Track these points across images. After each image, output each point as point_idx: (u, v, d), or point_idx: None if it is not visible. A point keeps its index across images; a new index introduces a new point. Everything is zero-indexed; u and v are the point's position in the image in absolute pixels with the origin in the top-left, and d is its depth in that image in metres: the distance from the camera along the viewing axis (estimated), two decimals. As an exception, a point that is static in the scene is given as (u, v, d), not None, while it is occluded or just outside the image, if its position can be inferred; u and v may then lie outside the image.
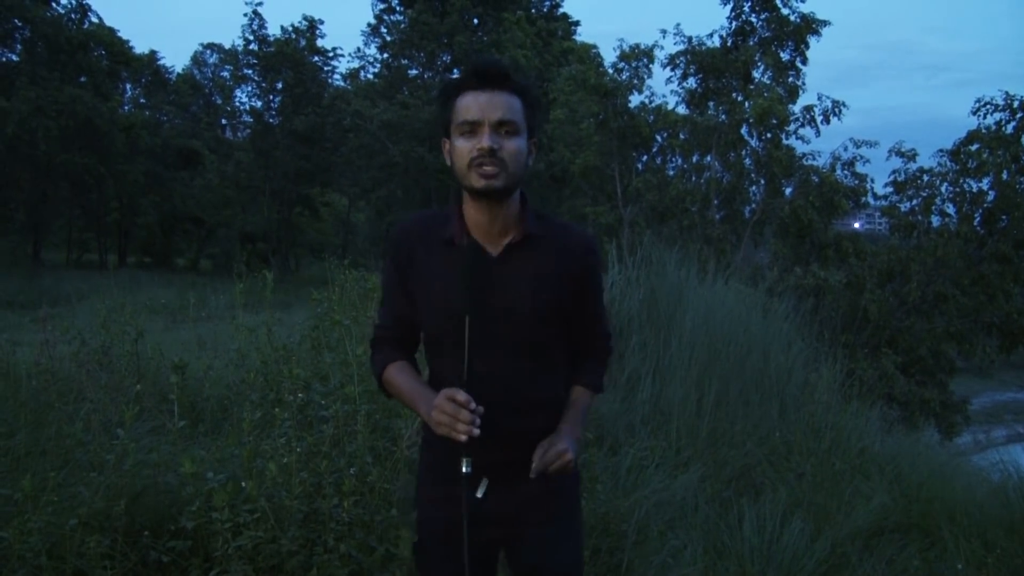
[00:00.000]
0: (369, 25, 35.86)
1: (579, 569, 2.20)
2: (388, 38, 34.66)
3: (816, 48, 17.20)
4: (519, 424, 2.00)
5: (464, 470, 1.88)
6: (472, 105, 1.91)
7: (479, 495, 1.94)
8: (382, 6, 35.21)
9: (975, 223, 14.83)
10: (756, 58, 16.47)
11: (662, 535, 3.93)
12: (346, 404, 3.47)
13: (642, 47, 17.67)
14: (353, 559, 2.92)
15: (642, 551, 3.78)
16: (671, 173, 18.23)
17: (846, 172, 15.81)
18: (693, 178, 17.64)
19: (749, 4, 16.99)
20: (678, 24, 17.51)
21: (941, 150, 15.14)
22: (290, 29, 36.93)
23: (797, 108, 16.21)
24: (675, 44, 17.19)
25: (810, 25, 16.56)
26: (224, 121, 44.87)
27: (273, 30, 37.24)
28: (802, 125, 16.02)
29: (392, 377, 2.06)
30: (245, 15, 37.34)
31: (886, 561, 4.16)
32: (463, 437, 1.79)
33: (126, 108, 40.39)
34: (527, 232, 2.00)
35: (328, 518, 2.98)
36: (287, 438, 3.16)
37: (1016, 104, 14.46)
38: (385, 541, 2.96)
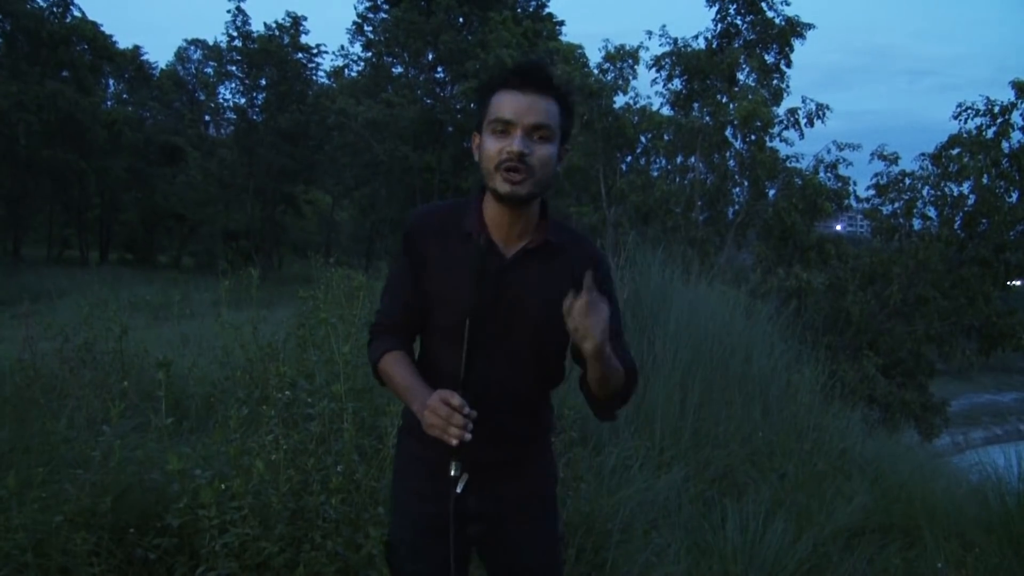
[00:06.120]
0: (354, 23, 35.78)
1: (559, 567, 2.22)
2: (372, 36, 34.54)
3: (800, 51, 17.30)
4: (508, 426, 2.01)
5: (452, 473, 1.88)
6: (508, 104, 1.88)
7: (458, 490, 1.93)
8: (367, 4, 35.12)
9: (956, 226, 14.96)
10: (741, 60, 16.56)
11: (646, 534, 3.96)
12: (332, 402, 3.46)
13: (627, 48, 17.76)
14: (340, 556, 2.93)
15: (626, 550, 3.80)
16: (655, 174, 18.30)
17: (829, 175, 15.93)
18: (677, 179, 17.70)
19: (734, 7, 17.07)
20: (663, 26, 17.66)
21: (923, 154, 15.27)
22: (274, 26, 36.81)
23: (781, 111, 16.35)
24: (660, 46, 17.29)
25: (795, 28, 16.67)
26: (207, 118, 44.55)
27: (257, 27, 37.16)
28: (786, 128, 16.13)
29: (388, 367, 2.04)
30: (229, 11, 37.25)
31: (867, 560, 4.20)
32: (455, 441, 1.77)
33: (109, 103, 40.09)
34: (544, 239, 1.98)
35: (315, 515, 2.99)
36: (274, 436, 3.16)
37: (997, 109, 14.59)
38: (372, 539, 2.96)
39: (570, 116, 1.98)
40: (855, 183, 15.98)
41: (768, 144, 16.16)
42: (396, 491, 2.19)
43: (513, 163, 1.86)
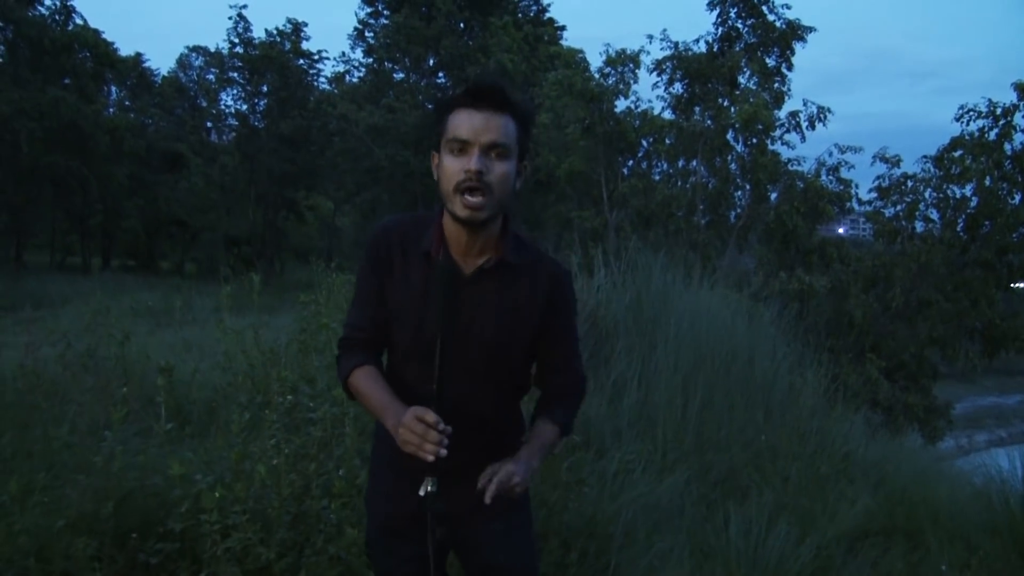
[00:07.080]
0: (355, 29, 35.82)
1: (534, 563, 2.23)
2: (373, 42, 34.58)
3: (801, 54, 17.31)
4: (476, 437, 2.01)
5: (429, 488, 1.86)
6: (464, 124, 1.89)
7: (421, 493, 1.90)
8: (368, 10, 35.17)
9: (958, 229, 14.94)
10: (742, 64, 16.55)
11: (649, 538, 3.95)
12: (334, 407, 3.46)
13: (628, 52, 17.72)
14: (342, 560, 2.92)
15: (629, 554, 3.79)
16: (657, 178, 18.27)
17: (831, 178, 15.89)
18: (679, 183, 17.67)
19: (735, 10, 17.08)
20: (664, 30, 17.65)
21: (925, 156, 15.25)
22: (275, 32, 36.84)
23: (782, 114, 16.30)
24: (661, 49, 17.20)
25: (796, 31, 16.66)
26: (209, 124, 44.57)
27: (258, 33, 37.15)
28: (787, 131, 16.10)
29: (360, 383, 2.04)
30: (230, 18, 37.27)
31: (871, 564, 4.19)
32: (430, 457, 1.77)
33: (111, 111, 40.10)
34: (502, 258, 1.98)
35: (317, 520, 2.99)
36: (275, 440, 3.15)
37: (999, 111, 14.57)
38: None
39: (528, 132, 1.98)
40: (857, 186, 15.96)
41: (769, 147, 16.13)
42: (368, 492, 2.24)
43: (472, 183, 1.86)
